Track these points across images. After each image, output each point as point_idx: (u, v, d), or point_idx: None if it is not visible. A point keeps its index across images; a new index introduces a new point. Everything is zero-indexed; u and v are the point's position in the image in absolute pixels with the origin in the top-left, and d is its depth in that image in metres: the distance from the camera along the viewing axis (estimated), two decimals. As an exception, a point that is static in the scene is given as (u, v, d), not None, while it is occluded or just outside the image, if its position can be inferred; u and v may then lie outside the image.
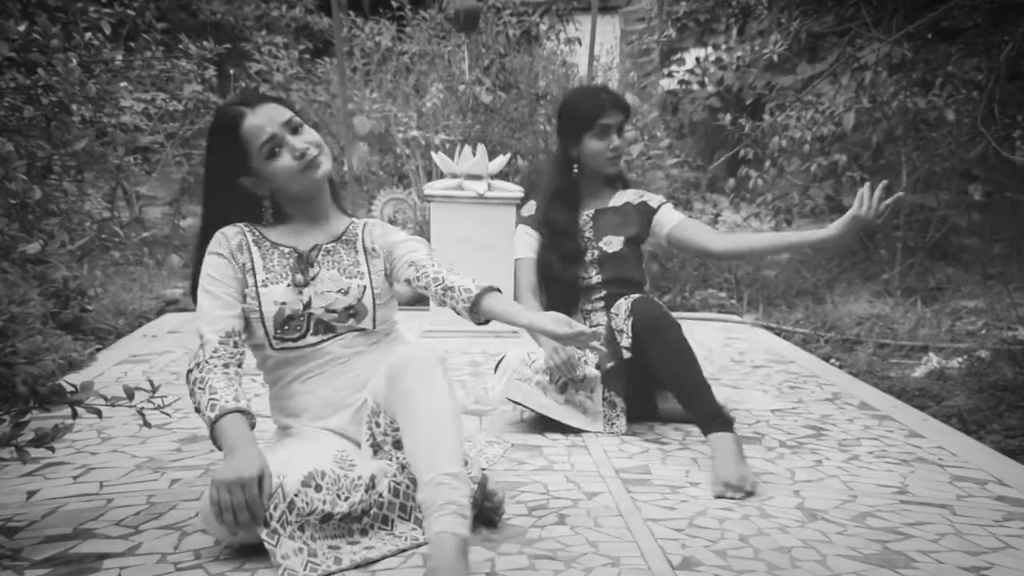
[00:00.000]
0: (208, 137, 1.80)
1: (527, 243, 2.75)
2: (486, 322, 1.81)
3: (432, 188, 4.21)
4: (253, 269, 1.78)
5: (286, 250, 1.82)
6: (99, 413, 1.70)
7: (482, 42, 6.51)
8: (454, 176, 4.21)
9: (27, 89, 3.03)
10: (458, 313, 1.81)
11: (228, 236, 1.80)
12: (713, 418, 2.22)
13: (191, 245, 6.44)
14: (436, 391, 1.58)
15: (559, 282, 2.71)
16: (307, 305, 1.78)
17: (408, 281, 1.86)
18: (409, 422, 1.58)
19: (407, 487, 1.73)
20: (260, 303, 1.76)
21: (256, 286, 1.77)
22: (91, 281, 4.23)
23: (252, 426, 1.66)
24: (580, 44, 7.27)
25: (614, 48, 8.91)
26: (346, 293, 1.81)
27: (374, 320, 1.83)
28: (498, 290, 1.80)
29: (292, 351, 1.79)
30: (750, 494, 2.04)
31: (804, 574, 1.62)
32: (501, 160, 4.29)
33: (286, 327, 1.77)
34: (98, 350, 3.61)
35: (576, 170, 2.71)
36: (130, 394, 1.74)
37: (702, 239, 2.63)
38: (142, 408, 1.79)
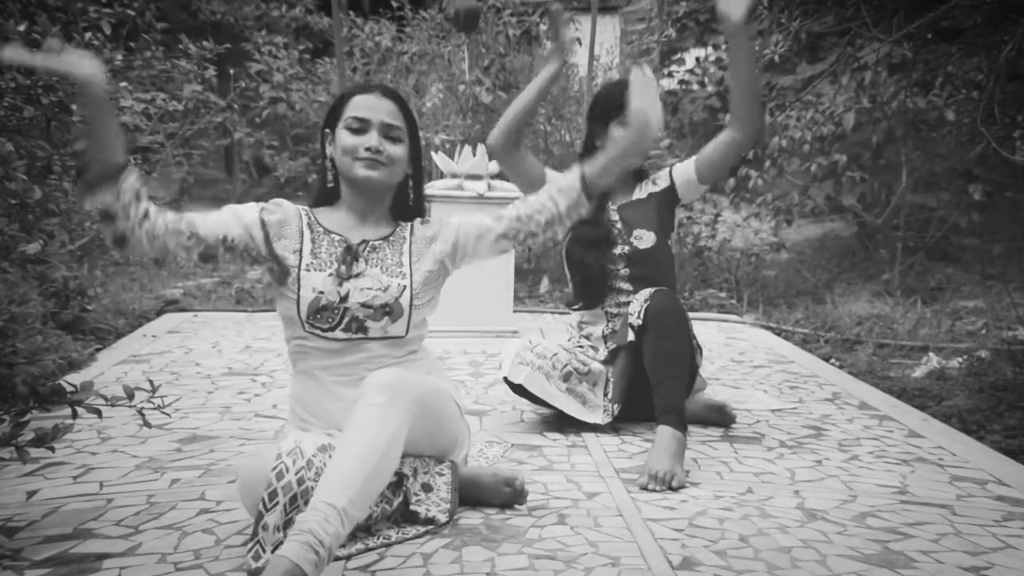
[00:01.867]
0: (336, 97, 1.92)
1: (552, 174, 2.70)
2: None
3: (432, 188, 4.21)
4: (300, 251, 1.79)
5: (337, 238, 1.83)
6: (99, 413, 1.70)
7: (482, 42, 6.50)
8: (454, 176, 4.21)
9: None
10: (577, 211, 1.77)
11: (283, 206, 1.83)
12: (670, 412, 2.23)
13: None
14: (369, 423, 1.57)
15: (585, 271, 2.68)
16: (344, 299, 1.77)
17: (504, 236, 1.83)
18: (338, 440, 1.60)
19: (391, 501, 1.76)
20: (299, 287, 1.76)
21: (300, 269, 1.77)
22: (91, 281, 4.24)
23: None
24: (580, 44, 7.26)
25: (614, 48, 8.91)
26: (385, 291, 1.79)
27: (408, 323, 1.81)
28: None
29: (320, 340, 1.78)
30: (673, 489, 2.07)
31: (804, 574, 1.62)
32: (501, 160, 4.29)
33: (318, 316, 1.76)
34: (98, 350, 3.61)
35: None
36: (130, 394, 1.74)
37: (718, 144, 2.56)
38: (142, 408, 1.79)
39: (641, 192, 2.72)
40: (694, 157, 2.66)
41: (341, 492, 1.48)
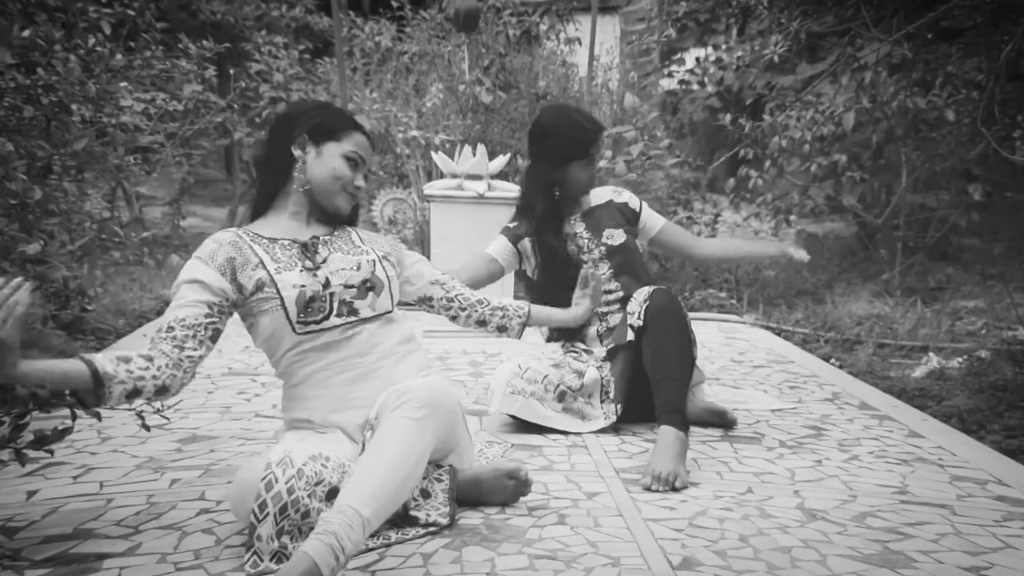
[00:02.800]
0: (315, 107, 1.93)
1: (499, 247, 2.75)
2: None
3: (432, 188, 4.21)
4: (262, 262, 1.78)
5: (285, 242, 1.84)
6: (98, 416, 1.70)
7: (482, 42, 6.51)
8: (454, 176, 4.21)
9: (27, 89, 3.03)
10: (502, 330, 2.14)
11: (219, 241, 1.79)
12: (671, 412, 2.24)
13: (192, 245, 6.45)
14: (403, 436, 1.58)
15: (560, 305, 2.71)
16: (326, 284, 1.79)
17: (429, 298, 2.05)
18: (367, 448, 1.61)
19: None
20: (279, 289, 1.76)
21: (271, 274, 1.77)
22: (91, 281, 4.23)
23: (87, 374, 1.52)
24: (580, 44, 7.27)
25: (614, 48, 8.91)
26: (358, 268, 1.84)
27: (391, 295, 1.87)
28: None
29: (316, 335, 1.78)
30: (676, 489, 2.07)
31: (804, 574, 1.62)
32: (501, 160, 4.30)
33: (309, 309, 1.77)
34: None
35: (558, 194, 2.70)
36: (130, 394, 1.73)
37: (686, 244, 2.89)
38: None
39: (598, 199, 2.79)
40: (663, 223, 2.86)
41: (369, 501, 1.48)
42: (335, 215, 1.89)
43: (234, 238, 1.80)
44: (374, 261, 1.87)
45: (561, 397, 2.54)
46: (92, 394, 1.54)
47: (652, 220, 2.83)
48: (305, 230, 1.88)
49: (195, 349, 1.67)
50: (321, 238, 1.88)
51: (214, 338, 1.72)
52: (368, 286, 1.83)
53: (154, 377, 1.60)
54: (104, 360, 1.55)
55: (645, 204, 2.87)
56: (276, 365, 1.85)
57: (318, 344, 1.79)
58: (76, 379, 1.52)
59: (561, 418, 2.54)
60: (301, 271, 1.79)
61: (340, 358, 1.80)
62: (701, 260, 3.01)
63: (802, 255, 2.72)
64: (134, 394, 1.58)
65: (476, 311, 2.10)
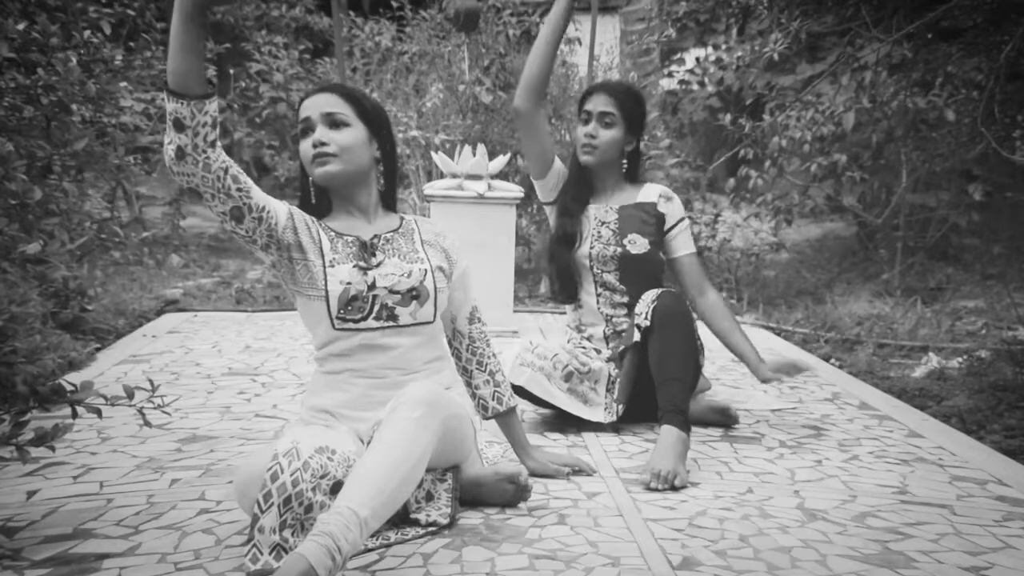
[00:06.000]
0: None
1: (560, 164, 2.73)
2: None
3: (432, 188, 4.21)
4: (321, 250, 1.81)
5: (349, 239, 1.86)
6: (99, 413, 1.70)
7: (482, 42, 6.50)
8: (454, 176, 4.21)
9: (27, 89, 3.03)
10: (476, 398, 2.06)
11: (297, 211, 1.85)
12: (674, 412, 2.23)
13: (191, 245, 6.45)
14: (402, 435, 1.59)
15: (557, 264, 2.71)
16: (371, 286, 1.81)
17: (454, 331, 2.03)
18: (367, 449, 1.62)
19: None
20: (326, 282, 1.78)
21: (324, 266, 1.80)
22: (91, 281, 4.24)
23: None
24: (580, 44, 7.26)
25: (614, 48, 8.91)
26: (409, 276, 1.85)
27: (435, 306, 1.88)
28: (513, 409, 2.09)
29: (353, 334, 1.81)
30: (675, 488, 2.08)
31: (804, 574, 1.62)
32: (501, 160, 4.29)
33: (349, 307, 1.79)
34: (98, 350, 3.61)
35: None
36: (130, 394, 1.74)
37: (689, 287, 2.72)
38: (142, 408, 1.79)
39: (645, 197, 2.72)
40: (681, 256, 2.71)
41: (367, 502, 1.48)
42: (331, 185, 1.86)
43: (304, 217, 1.84)
44: (426, 271, 1.88)
45: (568, 377, 2.55)
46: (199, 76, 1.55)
47: (675, 243, 2.71)
48: (367, 226, 1.90)
49: (238, 188, 1.65)
50: (383, 237, 1.89)
51: (238, 214, 1.68)
52: (414, 295, 1.85)
53: (203, 145, 1.58)
54: (215, 109, 1.59)
55: (684, 225, 2.72)
56: (317, 349, 1.89)
57: (354, 344, 1.82)
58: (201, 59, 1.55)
59: (565, 398, 2.53)
60: (352, 267, 1.81)
61: (374, 366, 1.83)
62: (696, 312, 2.69)
63: (799, 368, 2.58)
64: (179, 127, 1.55)
65: (472, 375, 2.05)
